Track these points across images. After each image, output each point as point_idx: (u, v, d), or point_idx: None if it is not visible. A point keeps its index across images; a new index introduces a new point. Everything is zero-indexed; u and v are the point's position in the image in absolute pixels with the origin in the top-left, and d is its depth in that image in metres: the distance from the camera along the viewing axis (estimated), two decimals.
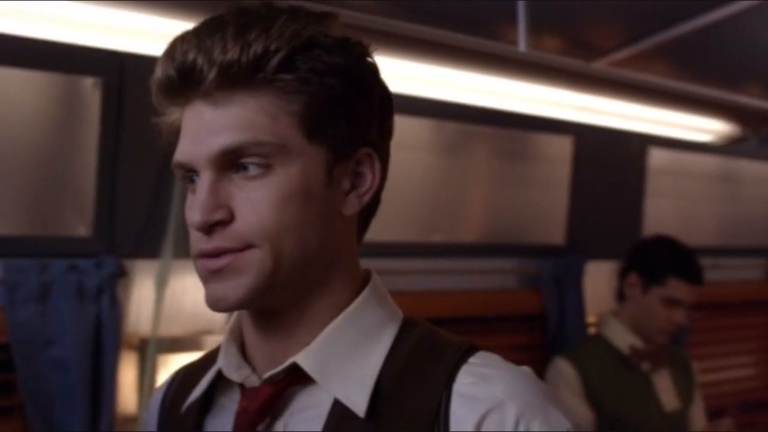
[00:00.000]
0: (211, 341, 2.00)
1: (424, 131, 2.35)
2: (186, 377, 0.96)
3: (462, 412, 0.76)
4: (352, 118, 0.80)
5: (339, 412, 0.78)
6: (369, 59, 0.84)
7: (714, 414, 3.26)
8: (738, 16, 2.48)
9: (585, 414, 2.22)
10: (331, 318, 0.82)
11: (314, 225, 0.79)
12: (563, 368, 2.28)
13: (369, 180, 0.83)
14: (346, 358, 0.80)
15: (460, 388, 0.78)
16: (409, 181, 2.29)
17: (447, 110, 2.24)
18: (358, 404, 0.78)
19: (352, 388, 0.79)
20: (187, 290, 1.97)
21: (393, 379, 0.80)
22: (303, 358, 0.80)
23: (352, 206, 0.82)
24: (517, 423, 0.76)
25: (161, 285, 1.90)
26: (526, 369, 0.83)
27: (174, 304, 1.96)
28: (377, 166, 0.83)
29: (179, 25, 1.25)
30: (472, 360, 0.81)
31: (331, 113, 0.78)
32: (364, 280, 0.87)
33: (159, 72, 0.78)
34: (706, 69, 2.98)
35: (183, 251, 1.85)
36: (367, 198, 0.83)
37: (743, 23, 2.61)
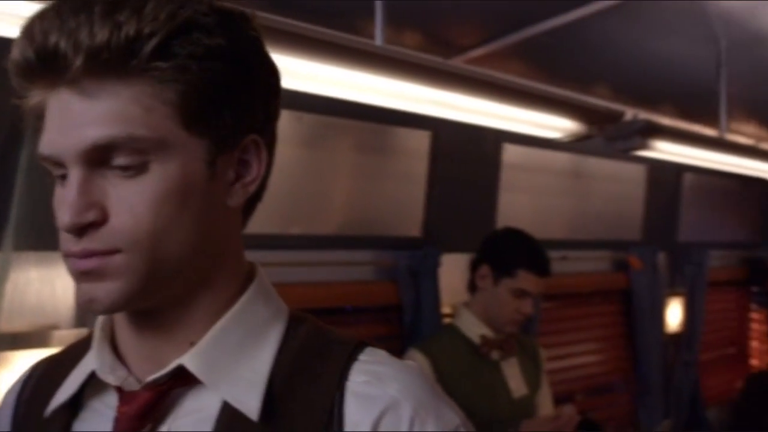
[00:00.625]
0: (57, 336, 1.92)
1: (283, 123, 2.32)
2: (45, 374, 0.89)
3: (357, 412, 0.75)
4: (237, 105, 0.74)
5: (229, 415, 0.75)
6: (253, 34, 0.78)
7: (563, 399, 3.41)
8: (587, 19, 2.59)
9: None
10: (216, 315, 0.78)
11: (195, 222, 0.73)
12: (416, 359, 2.30)
13: (255, 168, 0.78)
14: (234, 358, 0.77)
15: (354, 386, 0.76)
16: None
17: (307, 102, 2.23)
18: (251, 406, 0.74)
19: (243, 390, 0.75)
20: (31, 283, 1.88)
21: (284, 379, 0.77)
22: (189, 360, 0.75)
23: (237, 197, 0.78)
24: (411, 422, 0.75)
25: (1, 279, 1.81)
26: (413, 364, 0.81)
27: (16, 298, 1.86)
28: (263, 153, 0.79)
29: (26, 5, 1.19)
30: (362, 357, 0.79)
31: (213, 101, 0.72)
32: (249, 274, 0.83)
33: (16, 53, 0.69)
34: (556, 69, 3.11)
35: (25, 243, 1.77)
36: (252, 187, 0.79)
37: (591, 26, 2.73)
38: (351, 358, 0.78)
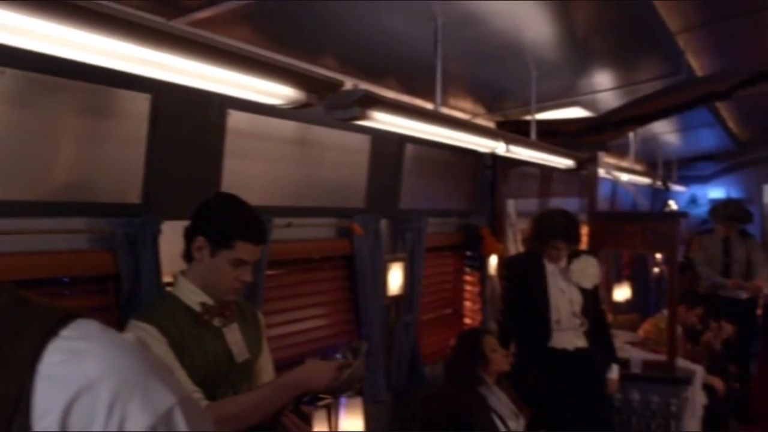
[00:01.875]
0: None
1: None
2: None
3: (47, 398, 0.67)
4: None
5: None
6: None
7: (294, 362, 3.48)
8: None
9: (181, 371, 2.22)
10: None
11: None
12: (147, 329, 2.24)
13: None
14: None
15: (47, 368, 0.68)
16: None
17: (9, 56, 2.07)
18: None
19: None
20: None
21: None
22: None
23: None
24: (111, 405, 0.68)
25: None
26: (128, 338, 0.75)
27: None
28: None
29: None
30: (64, 332, 0.71)
31: None
32: None
33: None
34: (283, 37, 3.12)
35: None
36: None
37: None
38: (50, 334, 0.71)
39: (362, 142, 3.92)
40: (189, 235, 2.39)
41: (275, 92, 2.40)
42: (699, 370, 5.49)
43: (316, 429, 3.31)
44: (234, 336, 2.45)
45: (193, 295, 2.38)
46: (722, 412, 5.87)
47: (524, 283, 4.50)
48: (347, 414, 3.62)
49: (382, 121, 2.91)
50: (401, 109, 3.00)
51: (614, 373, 4.64)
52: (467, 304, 5.55)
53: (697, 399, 5.34)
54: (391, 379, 4.33)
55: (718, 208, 7.79)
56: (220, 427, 2.19)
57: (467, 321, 5.53)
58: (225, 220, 2.36)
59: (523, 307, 4.51)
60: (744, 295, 7.32)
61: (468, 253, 5.46)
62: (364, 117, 2.72)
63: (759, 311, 7.80)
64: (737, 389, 6.30)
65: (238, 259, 2.36)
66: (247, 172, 3.18)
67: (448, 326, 5.30)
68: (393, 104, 2.93)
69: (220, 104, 2.93)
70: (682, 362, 5.48)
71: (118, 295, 2.62)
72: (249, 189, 2.88)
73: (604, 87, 5.39)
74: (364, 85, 2.86)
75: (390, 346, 4.36)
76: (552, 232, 4.41)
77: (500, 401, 4.03)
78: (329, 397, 3.09)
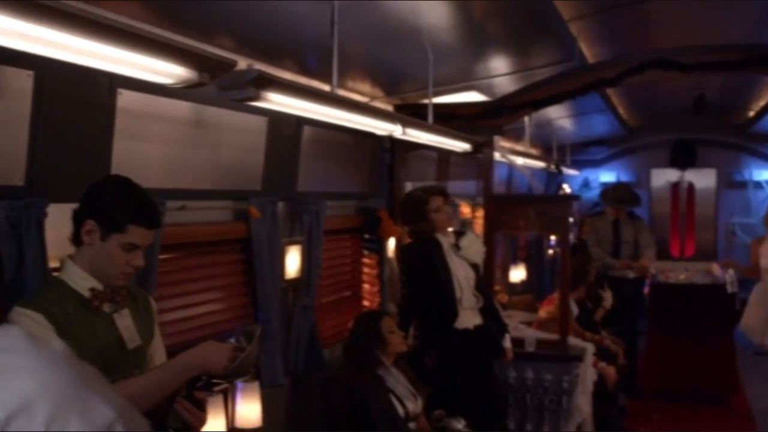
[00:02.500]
0: None
1: None
2: None
3: None
4: None
5: None
6: None
7: (189, 347, 3.42)
8: None
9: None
10: None
11: None
12: (33, 316, 2.15)
13: None
14: None
15: None
16: None
17: None
18: None
19: None
20: None
21: None
22: None
23: None
24: (48, 425, 0.64)
25: None
26: (56, 348, 0.71)
27: None
28: None
29: None
30: None
31: None
32: None
33: None
34: (177, 16, 3.05)
35: None
36: None
37: None
38: None
39: (259, 123, 3.87)
40: (78, 219, 2.32)
41: (166, 71, 2.34)
42: (589, 348, 5.69)
43: (211, 415, 3.26)
44: (125, 322, 2.40)
45: (81, 281, 2.30)
46: (611, 388, 6.11)
47: (426, 266, 4.53)
48: (244, 399, 3.58)
49: (278, 102, 2.87)
50: (297, 91, 2.98)
51: (508, 342, 4.80)
52: (366, 286, 5.56)
53: (587, 375, 5.53)
54: (290, 363, 4.31)
55: (608, 191, 8.08)
56: None
57: (366, 303, 5.54)
58: (116, 203, 2.30)
59: (426, 291, 4.54)
60: (632, 275, 7.62)
61: (366, 236, 5.46)
62: (258, 98, 2.68)
63: (646, 290, 8.13)
64: (625, 365, 6.56)
65: (130, 244, 2.30)
66: (139, 153, 3.09)
67: (347, 309, 5.31)
68: (288, 85, 2.90)
69: (109, 83, 2.84)
70: (573, 340, 5.66)
71: (1, 281, 2.51)
72: (141, 171, 2.80)
73: (500, 72, 5.49)
74: (260, 66, 2.80)
75: (288, 330, 4.34)
76: (413, 198, 4.53)
77: (398, 382, 4.07)
78: (224, 382, 3.05)
